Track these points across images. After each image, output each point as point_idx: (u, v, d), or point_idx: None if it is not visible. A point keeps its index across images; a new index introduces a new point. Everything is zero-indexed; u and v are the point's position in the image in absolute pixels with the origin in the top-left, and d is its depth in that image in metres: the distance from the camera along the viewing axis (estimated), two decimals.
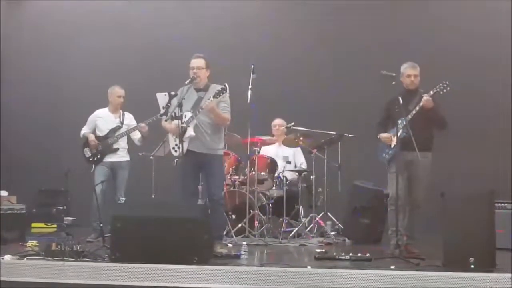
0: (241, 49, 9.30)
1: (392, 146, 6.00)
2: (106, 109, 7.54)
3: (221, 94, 5.86)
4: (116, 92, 7.47)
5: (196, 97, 6.06)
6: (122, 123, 7.48)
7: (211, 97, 5.85)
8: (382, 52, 8.67)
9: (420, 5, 9.14)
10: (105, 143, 7.37)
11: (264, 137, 7.84)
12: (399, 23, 9.17)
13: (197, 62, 6.05)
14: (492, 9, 8.89)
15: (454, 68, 8.47)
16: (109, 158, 7.37)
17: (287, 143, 7.99)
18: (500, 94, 8.67)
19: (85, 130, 7.52)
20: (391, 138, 6.02)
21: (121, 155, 7.44)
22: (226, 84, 5.89)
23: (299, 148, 8.19)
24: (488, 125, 8.59)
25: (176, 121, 5.87)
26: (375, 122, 6.30)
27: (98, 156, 7.36)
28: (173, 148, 6.15)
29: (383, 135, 6.12)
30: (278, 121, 8.25)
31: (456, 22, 8.97)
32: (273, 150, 8.14)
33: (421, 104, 5.83)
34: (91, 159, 7.40)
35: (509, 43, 8.60)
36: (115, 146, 7.38)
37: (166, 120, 6.07)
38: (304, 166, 8.09)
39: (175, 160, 6.42)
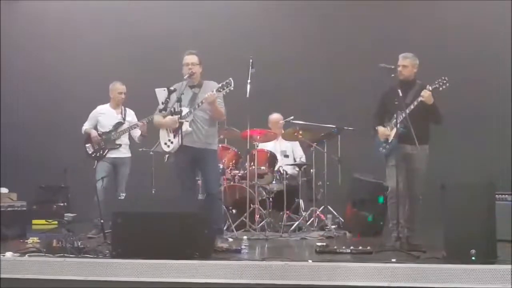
0: (240, 43, 9.28)
1: (390, 140, 6.00)
2: (108, 105, 7.54)
3: (225, 88, 5.82)
4: (117, 88, 7.46)
5: (191, 94, 6.04)
6: (124, 119, 7.48)
7: (214, 90, 5.82)
8: (382, 46, 8.64)
9: (419, 2, 9.13)
10: (108, 139, 7.36)
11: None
12: (398, 19, 9.14)
13: (192, 58, 6.03)
14: (492, 6, 8.87)
15: (454, 61, 8.47)
16: (111, 154, 7.36)
17: (287, 137, 7.99)
18: (500, 87, 8.67)
19: (86, 126, 7.50)
20: (388, 134, 6.02)
21: (123, 151, 7.44)
22: (231, 79, 5.85)
23: (297, 142, 8.19)
24: (489, 117, 8.59)
25: (170, 116, 5.86)
26: (372, 113, 6.30)
27: (101, 152, 7.35)
28: (165, 143, 6.10)
29: (381, 129, 6.12)
30: (275, 116, 8.24)
31: (456, 19, 8.95)
32: (271, 145, 8.12)
33: (419, 99, 5.83)
34: (93, 155, 7.38)
35: (509, 37, 8.59)
36: (117, 142, 7.38)
37: (165, 116, 6.02)
38: (303, 159, 8.09)
39: (167, 156, 6.40)
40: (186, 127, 5.89)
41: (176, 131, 5.83)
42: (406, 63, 6.05)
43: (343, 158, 7.74)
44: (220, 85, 5.83)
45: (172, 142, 5.94)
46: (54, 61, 9.95)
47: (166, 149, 6.14)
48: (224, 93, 5.90)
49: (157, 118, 6.12)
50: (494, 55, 8.71)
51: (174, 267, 4.72)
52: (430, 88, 5.83)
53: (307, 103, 8.93)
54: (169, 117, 5.89)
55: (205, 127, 6.01)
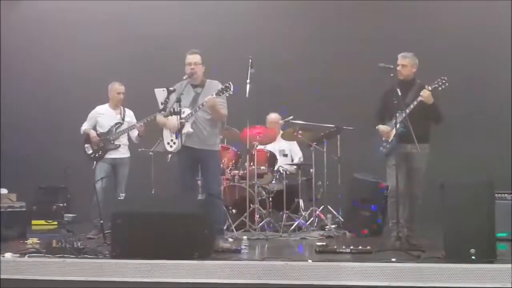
0: (239, 43, 9.28)
1: (390, 140, 6.01)
2: (107, 105, 7.52)
3: (224, 92, 5.81)
4: (116, 88, 7.45)
5: (193, 93, 6.03)
6: (123, 119, 7.47)
7: (214, 94, 5.82)
8: (382, 46, 8.63)
9: (419, 2, 9.13)
10: (107, 140, 7.35)
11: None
12: (398, 19, 9.13)
13: (194, 58, 6.02)
14: (492, 6, 8.86)
15: (454, 61, 8.48)
16: (111, 155, 7.35)
17: (286, 137, 7.98)
18: (500, 85, 8.68)
19: (85, 127, 7.48)
20: (389, 132, 6.02)
21: (122, 152, 7.43)
22: (231, 83, 5.85)
23: (295, 142, 8.19)
24: (488, 116, 8.59)
25: (172, 116, 5.86)
26: (372, 113, 6.31)
27: (100, 153, 7.34)
28: (168, 143, 6.12)
29: (382, 127, 6.12)
30: (273, 116, 8.23)
31: (456, 19, 8.93)
32: (270, 145, 8.11)
33: (419, 99, 5.84)
34: (92, 155, 7.37)
35: (509, 37, 8.59)
36: (116, 143, 7.36)
37: (165, 116, 6.03)
38: (302, 159, 8.10)
39: (169, 155, 6.40)
40: (187, 128, 5.89)
41: (180, 131, 5.82)
42: (405, 63, 6.06)
43: (343, 158, 7.75)
44: (219, 88, 5.83)
45: (174, 143, 5.94)
46: (54, 61, 9.94)
47: (169, 149, 6.16)
48: (223, 97, 5.91)
49: (160, 118, 6.13)
50: (494, 55, 8.71)
51: (174, 268, 4.72)
52: (430, 88, 5.84)
53: (307, 103, 8.92)
54: (171, 117, 5.89)
55: (207, 128, 6.01)
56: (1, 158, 9.45)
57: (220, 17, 9.65)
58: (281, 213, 7.46)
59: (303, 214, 7.52)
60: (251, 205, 7.20)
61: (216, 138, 6.16)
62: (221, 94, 5.81)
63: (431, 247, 5.41)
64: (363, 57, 8.69)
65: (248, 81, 7.15)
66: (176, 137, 5.87)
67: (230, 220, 7.07)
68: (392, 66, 5.91)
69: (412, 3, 9.14)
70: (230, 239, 6.42)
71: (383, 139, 6.13)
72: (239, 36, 9.42)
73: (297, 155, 8.25)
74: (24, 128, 9.76)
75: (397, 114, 5.84)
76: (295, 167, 7.88)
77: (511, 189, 6.62)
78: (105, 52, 9.73)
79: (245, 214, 7.14)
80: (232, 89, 5.80)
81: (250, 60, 7.23)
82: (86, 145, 7.42)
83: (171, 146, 6.08)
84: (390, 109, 6.00)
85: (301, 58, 9.31)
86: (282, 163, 7.95)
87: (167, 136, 6.12)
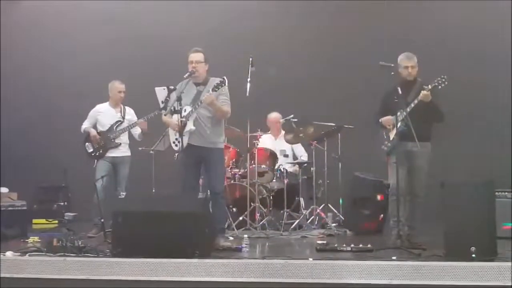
0: (240, 42, 9.28)
1: (391, 138, 6.02)
2: (107, 103, 7.53)
3: (219, 87, 5.84)
4: (117, 87, 7.45)
5: (195, 91, 6.03)
6: (123, 117, 7.47)
7: (210, 90, 5.83)
8: (382, 44, 8.63)
9: (419, 2, 9.14)
10: (107, 138, 7.35)
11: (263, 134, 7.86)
12: (398, 19, 9.12)
13: (196, 56, 6.03)
14: (492, 6, 8.86)
15: (454, 61, 8.48)
16: (111, 153, 7.35)
17: (291, 141, 7.93)
18: (500, 85, 8.67)
19: (86, 125, 7.48)
20: (392, 121, 6.01)
21: (123, 150, 7.43)
22: (225, 77, 5.87)
23: (299, 143, 8.19)
24: (488, 116, 8.59)
25: (176, 116, 5.86)
26: (374, 112, 6.31)
27: (101, 151, 7.34)
28: (173, 142, 6.14)
29: (385, 118, 6.11)
30: (274, 115, 8.23)
31: (456, 19, 8.93)
32: (271, 144, 8.11)
33: (419, 98, 5.85)
34: (93, 154, 7.37)
35: (509, 37, 8.59)
36: (117, 141, 7.37)
37: (165, 115, 6.06)
38: (305, 158, 8.10)
39: (176, 154, 6.43)
40: (190, 126, 5.90)
41: (180, 130, 5.83)
42: (414, 63, 6.08)
43: (343, 157, 7.75)
44: (215, 84, 5.85)
45: (179, 142, 5.95)
46: (54, 61, 9.94)
47: (174, 148, 6.19)
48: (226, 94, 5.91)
49: (164, 117, 6.14)
50: (494, 55, 8.71)
51: (175, 266, 4.72)
52: (430, 87, 5.84)
53: (307, 102, 8.92)
54: (174, 116, 5.90)
55: (209, 125, 6.00)
56: (2, 157, 9.46)
57: (220, 17, 9.65)
58: (281, 211, 7.47)
59: (304, 212, 7.53)
60: (252, 204, 7.20)
61: (219, 136, 6.14)
62: (216, 89, 5.83)
63: (431, 245, 5.40)
64: (363, 57, 8.68)
65: (248, 79, 7.15)
66: (180, 136, 5.89)
67: (230, 219, 7.07)
68: (392, 65, 5.91)
69: (412, 3, 9.14)
70: (231, 238, 6.43)
71: (385, 137, 6.14)
72: (239, 36, 9.42)
73: (299, 154, 8.23)
74: (24, 127, 9.76)
75: (398, 113, 5.85)
76: (296, 168, 7.87)
77: (511, 188, 6.61)
78: (105, 52, 9.73)
79: (245, 213, 7.15)
80: (226, 83, 5.81)
81: (251, 59, 7.22)
82: (86, 143, 7.42)
83: (176, 145, 6.11)
84: (392, 108, 6.01)
85: (302, 56, 9.31)
86: (283, 162, 7.95)
87: (172, 135, 6.15)
